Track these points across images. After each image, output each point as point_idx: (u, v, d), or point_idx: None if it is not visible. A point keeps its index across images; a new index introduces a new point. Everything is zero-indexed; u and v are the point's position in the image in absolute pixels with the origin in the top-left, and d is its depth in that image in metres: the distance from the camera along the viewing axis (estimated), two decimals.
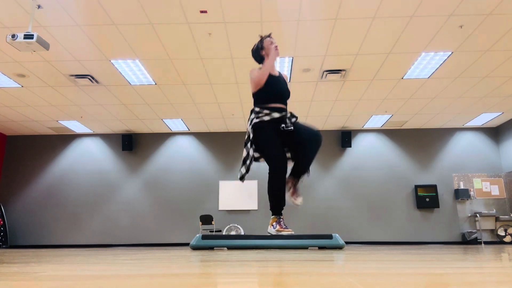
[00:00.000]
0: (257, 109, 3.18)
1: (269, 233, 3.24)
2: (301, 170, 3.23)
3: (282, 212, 3.28)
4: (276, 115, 3.14)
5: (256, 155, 3.24)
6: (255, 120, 3.14)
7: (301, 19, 5.14)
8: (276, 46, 3.24)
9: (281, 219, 3.20)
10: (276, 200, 3.14)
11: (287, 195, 3.27)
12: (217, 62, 6.30)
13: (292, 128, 3.15)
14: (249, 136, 3.18)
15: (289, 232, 3.11)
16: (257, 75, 3.18)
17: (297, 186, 3.32)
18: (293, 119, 3.22)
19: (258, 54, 3.31)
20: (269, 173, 3.11)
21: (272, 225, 3.19)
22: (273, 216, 3.22)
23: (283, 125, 3.14)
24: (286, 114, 3.20)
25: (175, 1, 4.71)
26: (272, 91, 3.19)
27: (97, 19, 5.04)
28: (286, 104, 3.30)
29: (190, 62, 6.28)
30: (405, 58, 6.22)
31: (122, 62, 6.24)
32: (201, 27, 5.27)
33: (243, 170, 3.14)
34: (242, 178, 3.15)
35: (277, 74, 3.37)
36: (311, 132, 3.16)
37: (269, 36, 3.33)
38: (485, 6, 4.83)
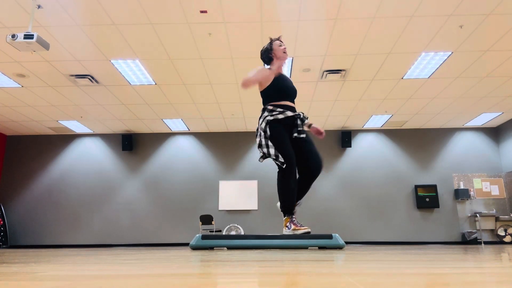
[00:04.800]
0: (270, 107, 3.20)
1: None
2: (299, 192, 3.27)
3: (295, 211, 3.26)
4: (289, 113, 3.17)
5: (266, 151, 3.15)
6: (269, 118, 3.14)
7: (301, 19, 5.14)
8: (284, 49, 3.33)
9: (294, 218, 3.17)
10: (289, 199, 3.12)
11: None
12: (217, 62, 6.30)
13: (304, 136, 3.19)
14: (260, 134, 3.18)
15: (306, 230, 3.07)
16: (265, 74, 3.20)
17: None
18: (306, 121, 3.27)
19: (267, 55, 3.35)
20: (281, 172, 3.10)
21: (287, 226, 3.15)
22: (285, 217, 3.19)
23: (295, 134, 3.18)
24: (299, 114, 3.24)
25: (175, 1, 4.71)
26: (283, 89, 3.23)
27: (97, 19, 5.04)
28: (294, 103, 3.36)
29: (190, 62, 6.28)
30: (405, 58, 6.22)
31: (122, 62, 6.24)
32: (201, 27, 5.27)
33: (260, 153, 3.24)
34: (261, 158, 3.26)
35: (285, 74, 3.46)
36: (318, 161, 3.19)
37: (278, 39, 3.41)
38: (485, 6, 4.83)
